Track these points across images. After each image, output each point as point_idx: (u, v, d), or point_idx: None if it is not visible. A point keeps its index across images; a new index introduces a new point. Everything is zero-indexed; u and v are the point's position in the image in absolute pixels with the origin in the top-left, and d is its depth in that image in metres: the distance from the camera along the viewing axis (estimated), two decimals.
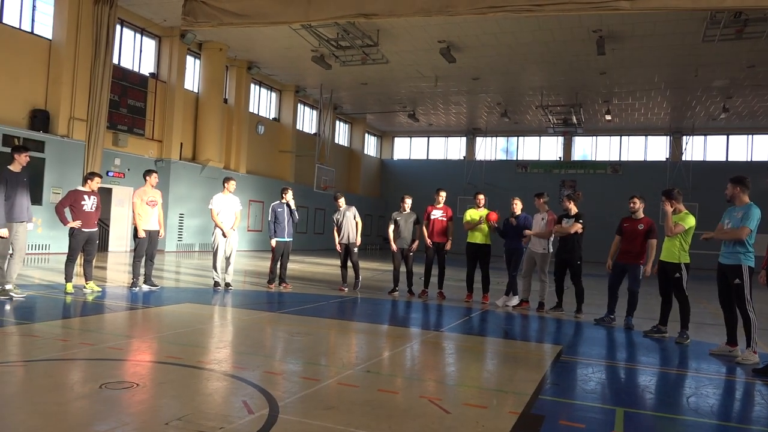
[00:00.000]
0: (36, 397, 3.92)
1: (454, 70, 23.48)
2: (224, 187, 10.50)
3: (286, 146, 28.98)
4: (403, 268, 10.82)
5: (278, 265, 10.97)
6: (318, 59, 21.99)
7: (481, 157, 36.64)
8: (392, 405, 4.12)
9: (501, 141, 37.76)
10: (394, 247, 10.75)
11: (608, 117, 29.12)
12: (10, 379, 4.36)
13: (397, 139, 40.80)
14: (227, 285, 10.34)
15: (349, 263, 11.17)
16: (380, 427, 3.60)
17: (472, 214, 10.30)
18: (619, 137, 35.12)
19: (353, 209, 11.10)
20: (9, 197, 7.74)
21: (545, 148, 36.78)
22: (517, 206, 9.98)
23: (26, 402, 3.82)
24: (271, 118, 28.61)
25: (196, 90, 23.33)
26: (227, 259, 10.41)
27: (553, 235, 9.46)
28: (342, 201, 11.14)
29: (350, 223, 10.96)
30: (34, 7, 17.22)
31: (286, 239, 10.93)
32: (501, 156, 37.85)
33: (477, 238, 10.23)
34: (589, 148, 35.94)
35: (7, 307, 7.38)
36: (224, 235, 10.30)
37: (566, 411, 4.24)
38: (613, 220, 9.96)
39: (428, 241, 10.44)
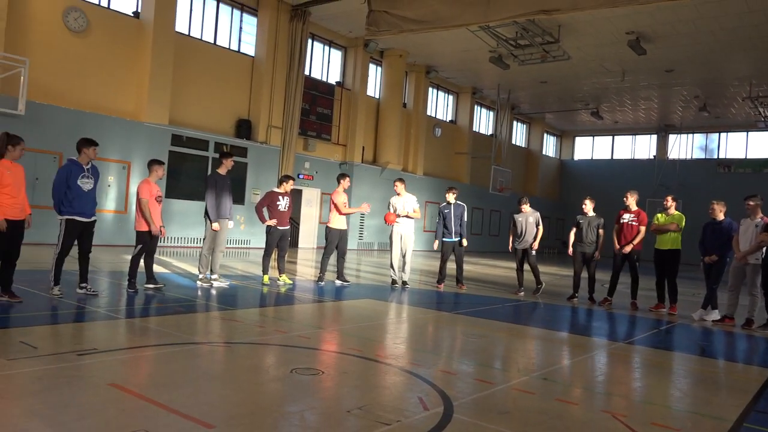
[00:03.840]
0: (237, 375, 4.39)
1: (644, 63, 21.77)
2: (398, 187, 10.79)
3: (462, 148, 29.11)
4: (584, 274, 10.27)
5: (447, 266, 11.05)
6: (496, 60, 21.77)
7: (675, 156, 33.41)
8: (570, 416, 3.93)
9: (698, 138, 34.14)
10: (570, 250, 10.26)
11: None
12: (216, 357, 4.93)
13: (578, 139, 38.90)
14: (404, 283, 10.66)
15: (527, 267, 10.89)
16: None
17: (661, 219, 9.45)
18: None
19: (537, 214, 10.79)
20: (216, 197, 8.78)
21: (754, 145, 32.49)
22: (720, 211, 8.91)
23: (230, 379, 4.29)
24: (447, 121, 28.95)
25: (377, 96, 24.44)
26: (403, 257, 10.73)
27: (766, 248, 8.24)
28: (526, 206, 10.86)
29: (531, 228, 10.68)
30: (240, 28, 19.36)
31: (453, 239, 10.97)
32: (698, 154, 34.24)
33: (665, 243, 9.36)
34: None
35: (213, 292, 8.37)
36: (397, 220, 10.58)
37: None
38: None
39: (617, 246, 9.74)
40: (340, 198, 10.23)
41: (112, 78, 16.07)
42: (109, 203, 15.60)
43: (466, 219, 11.11)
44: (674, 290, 9.42)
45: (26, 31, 14.34)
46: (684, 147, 33.93)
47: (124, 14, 16.39)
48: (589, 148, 38.55)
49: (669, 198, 9.63)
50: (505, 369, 5.20)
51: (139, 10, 16.62)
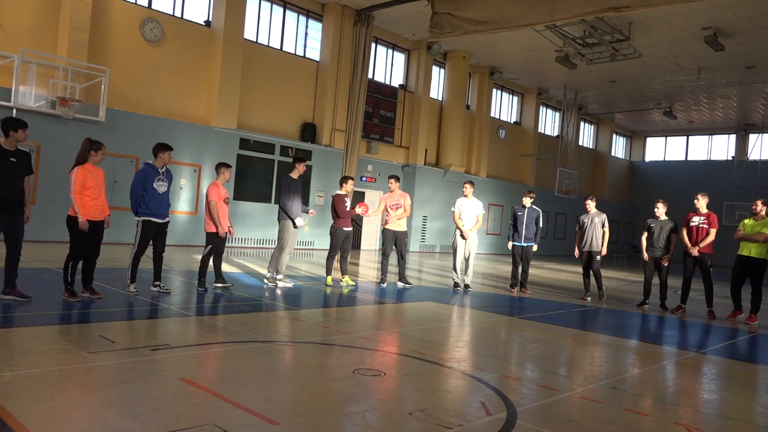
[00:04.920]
0: (301, 374, 4.47)
1: (722, 59, 20.75)
2: (467, 190, 10.71)
3: (527, 150, 28.58)
4: (655, 280, 9.87)
5: (519, 270, 10.87)
6: (562, 59, 21.28)
7: (756, 157, 31.58)
8: (641, 427, 3.78)
9: None
10: (645, 256, 9.86)
11: None
12: (281, 356, 5.05)
13: (649, 139, 37.45)
14: (466, 286, 10.57)
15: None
16: None
17: (748, 224, 8.92)
18: None
19: (603, 216, 10.46)
20: (292, 199, 8.99)
21: None
22: None
23: (294, 377, 4.38)
24: (512, 122, 28.51)
25: (440, 98, 24.36)
26: (466, 260, 10.64)
27: None
28: (592, 205, 10.57)
29: (596, 230, 10.36)
30: (306, 34, 19.76)
31: (523, 244, 10.77)
32: None
33: (751, 251, 8.83)
34: None
35: (278, 292, 8.56)
36: (463, 237, 10.54)
37: None
38: None
39: (691, 249, 9.28)
40: (389, 199, 10.33)
41: (184, 85, 16.75)
42: (181, 205, 16.25)
43: (541, 225, 10.90)
44: (758, 299, 8.89)
45: (107, 42, 15.15)
46: (767, 147, 32.03)
47: (197, 23, 17.06)
48: (661, 149, 37.04)
49: (759, 202, 9.03)
50: (570, 376, 5.06)
51: (210, 19, 17.25)
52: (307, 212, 9.27)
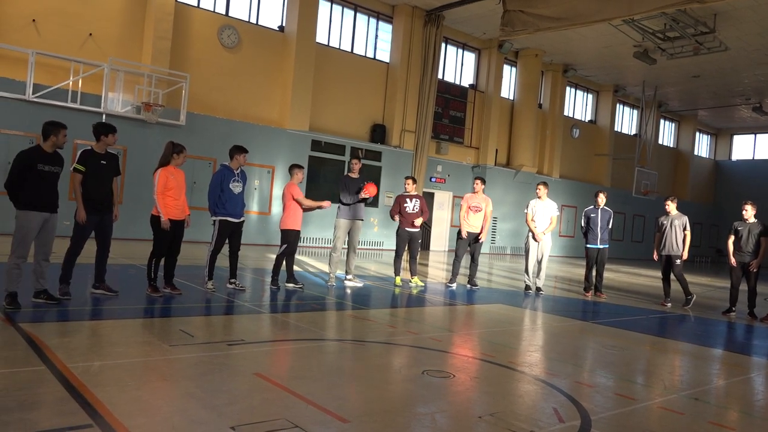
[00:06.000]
0: (370, 373, 4.51)
1: None
2: (541, 191, 10.47)
3: (603, 149, 27.63)
4: (743, 286, 9.30)
5: (593, 273, 10.53)
6: (641, 55, 20.44)
7: None
8: None
9: None
10: (732, 261, 9.30)
11: None
12: (350, 354, 5.11)
13: (736, 137, 35.36)
14: (538, 289, 10.34)
15: (673, 276, 10.08)
16: None
17: None
18: None
19: (684, 218, 9.96)
20: (345, 198, 9.06)
21: None
22: None
23: (363, 376, 4.42)
24: (586, 121, 27.66)
25: (511, 97, 23.96)
26: (539, 263, 10.40)
27: None
28: (672, 206, 10.08)
29: (677, 232, 9.88)
30: (376, 36, 19.93)
31: (599, 246, 10.41)
32: None
33: None
34: None
35: (348, 291, 8.67)
36: (536, 239, 10.32)
37: None
38: None
39: None
40: (466, 202, 10.20)
41: (259, 89, 17.28)
42: (254, 205, 16.76)
43: (611, 226, 10.54)
44: None
45: (187, 49, 15.86)
46: None
47: (271, 29, 17.56)
48: (749, 147, 34.87)
49: None
50: (649, 385, 4.85)
51: (284, 24, 17.70)
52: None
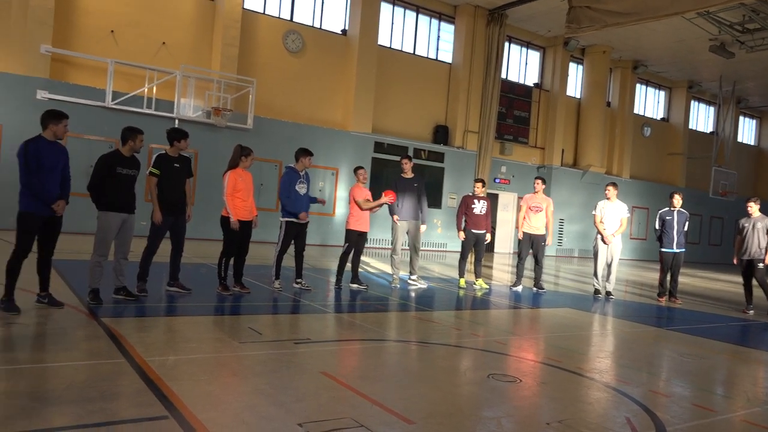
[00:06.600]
0: (435, 375, 4.48)
1: None
2: (610, 192, 10.15)
3: (676, 148, 26.46)
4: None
5: (668, 278, 10.08)
6: (717, 48, 19.44)
7: None
8: None
9: None
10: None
11: None
12: (415, 356, 5.10)
13: None
14: (608, 293, 10.00)
15: (755, 282, 9.51)
16: None
17: None
18: None
19: (767, 221, 9.39)
20: (400, 198, 9.04)
21: None
22: None
23: (428, 378, 4.40)
24: (658, 119, 26.58)
25: (577, 96, 23.33)
26: (608, 266, 10.07)
27: None
28: (755, 208, 9.53)
29: (759, 236, 9.32)
30: (438, 37, 19.86)
31: (675, 250, 9.95)
32: None
33: None
34: None
35: (412, 293, 8.66)
36: (605, 242, 9.99)
37: None
38: None
39: None
40: (526, 203, 10.00)
41: (323, 92, 17.56)
42: (318, 206, 16.99)
43: (686, 229, 10.07)
44: None
45: (253, 55, 16.30)
46: None
47: (334, 33, 17.80)
48: None
49: None
50: (729, 396, 4.60)
51: (346, 28, 17.91)
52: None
